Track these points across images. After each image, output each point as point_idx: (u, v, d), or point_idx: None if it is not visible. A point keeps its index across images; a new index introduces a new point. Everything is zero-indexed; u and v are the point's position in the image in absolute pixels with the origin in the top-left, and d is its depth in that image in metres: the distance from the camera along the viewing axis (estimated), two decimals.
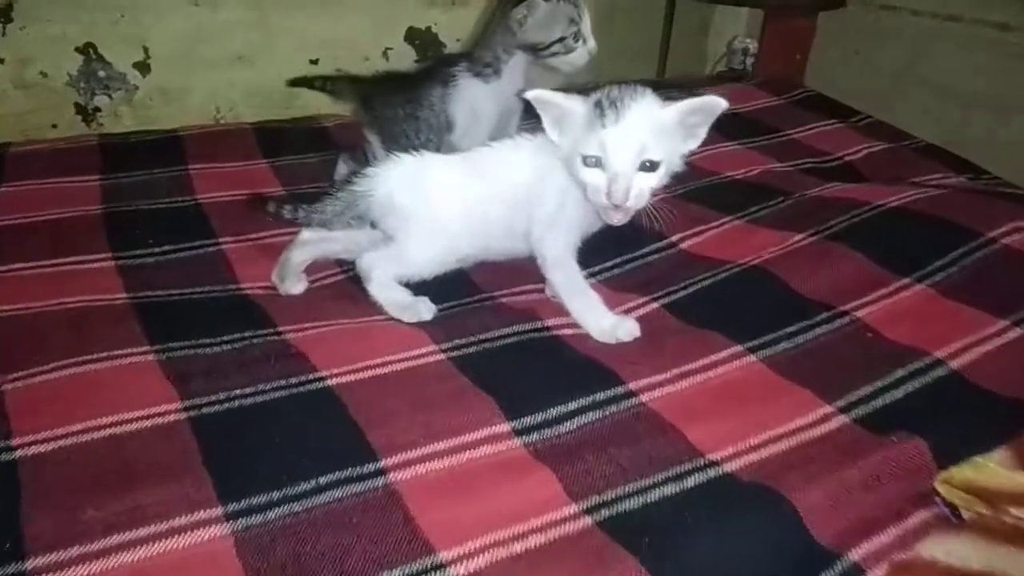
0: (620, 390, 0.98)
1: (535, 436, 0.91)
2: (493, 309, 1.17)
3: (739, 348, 1.05)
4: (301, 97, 2.17)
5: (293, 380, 0.98)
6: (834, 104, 2.07)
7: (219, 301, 1.18)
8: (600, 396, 0.96)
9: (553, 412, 0.94)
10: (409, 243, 1.13)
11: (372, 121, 1.51)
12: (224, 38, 2.28)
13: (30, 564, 0.72)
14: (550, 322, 1.12)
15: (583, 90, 1.09)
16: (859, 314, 1.12)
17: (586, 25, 1.39)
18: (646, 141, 1.00)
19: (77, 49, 2.18)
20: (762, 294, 1.18)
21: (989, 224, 1.24)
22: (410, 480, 0.84)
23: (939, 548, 0.77)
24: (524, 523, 0.79)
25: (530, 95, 1.06)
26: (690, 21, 2.72)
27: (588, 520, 0.80)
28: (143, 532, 0.76)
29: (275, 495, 0.81)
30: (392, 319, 1.13)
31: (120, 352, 1.02)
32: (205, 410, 0.93)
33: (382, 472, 0.84)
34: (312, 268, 1.24)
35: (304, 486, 0.82)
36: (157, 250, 1.30)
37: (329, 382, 0.98)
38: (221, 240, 1.33)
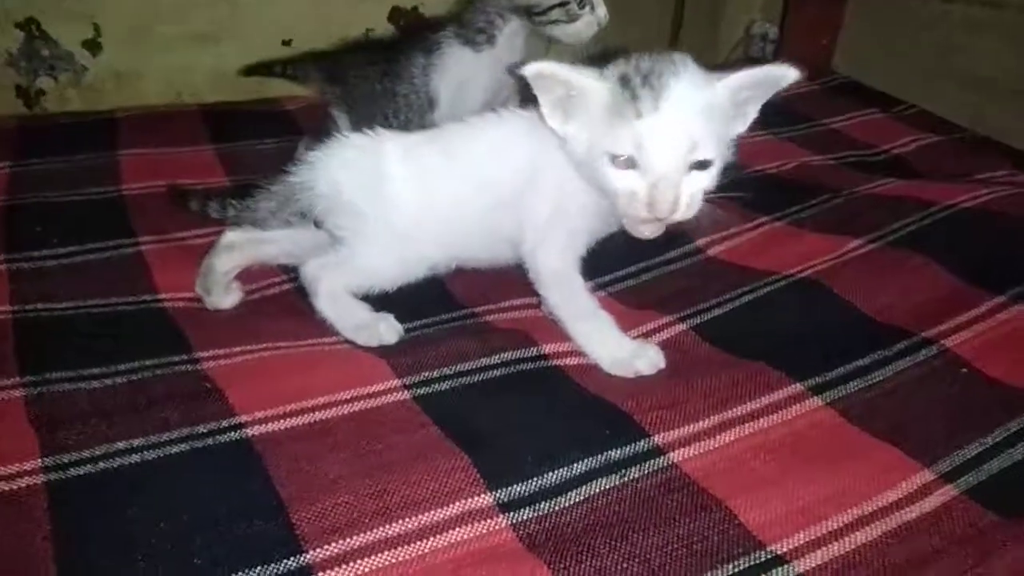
0: (643, 446, 0.72)
1: (527, 514, 0.65)
2: (475, 330, 0.92)
3: (798, 387, 0.80)
4: (273, 80, 1.93)
5: (200, 428, 0.72)
6: (872, 92, 1.83)
7: (126, 317, 0.93)
8: (615, 454, 0.71)
9: (552, 478, 0.69)
10: (362, 248, 0.88)
11: (342, 97, 1.26)
12: (186, 15, 2.02)
13: None
14: (548, 348, 0.87)
15: (595, 60, 0.84)
16: (947, 343, 0.87)
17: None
18: (696, 132, 0.75)
19: (17, 25, 1.92)
20: (819, 315, 0.93)
21: None
22: None
23: None
24: None
25: (529, 71, 0.78)
26: (700, 4, 2.48)
27: None
28: None
29: None
30: (346, 342, 0.88)
31: None
32: (72, 471, 0.67)
33: (309, 573, 0.59)
34: (251, 275, 0.98)
35: None
36: (61, 251, 1.04)
37: (248, 431, 0.72)
38: (141, 240, 1.08)
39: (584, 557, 0.61)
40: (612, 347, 0.84)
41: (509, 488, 0.67)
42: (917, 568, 0.60)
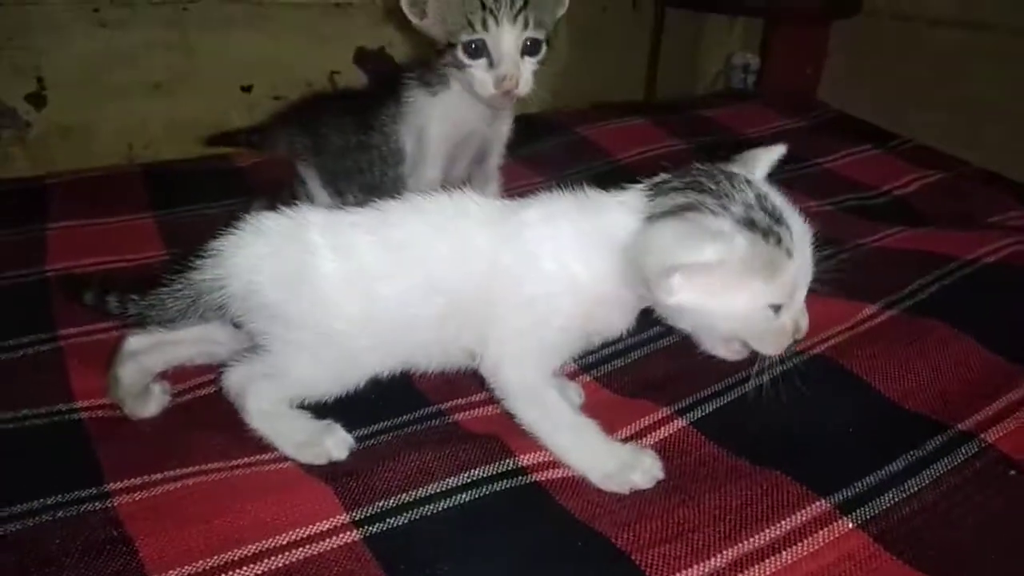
0: None
1: None
2: (440, 436, 0.79)
3: (824, 505, 0.67)
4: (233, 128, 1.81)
5: None
6: (865, 126, 1.73)
7: (34, 435, 0.79)
8: None
9: None
10: (288, 357, 0.74)
11: (311, 150, 1.13)
12: (137, 63, 1.91)
13: None
14: (527, 459, 0.74)
15: None
16: (988, 436, 0.75)
17: (503, 42, 0.94)
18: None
19: None
20: (838, 404, 0.81)
21: None
22: None
23: None
24: None
25: None
26: (679, 36, 2.40)
27: None
28: None
29: None
30: (288, 458, 0.75)
31: None
32: None
33: None
34: (182, 371, 0.85)
35: None
36: None
37: None
38: (62, 333, 0.94)
39: None
40: (601, 459, 0.71)
41: None
42: None
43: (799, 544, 0.64)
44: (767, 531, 0.65)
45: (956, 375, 0.82)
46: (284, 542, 0.64)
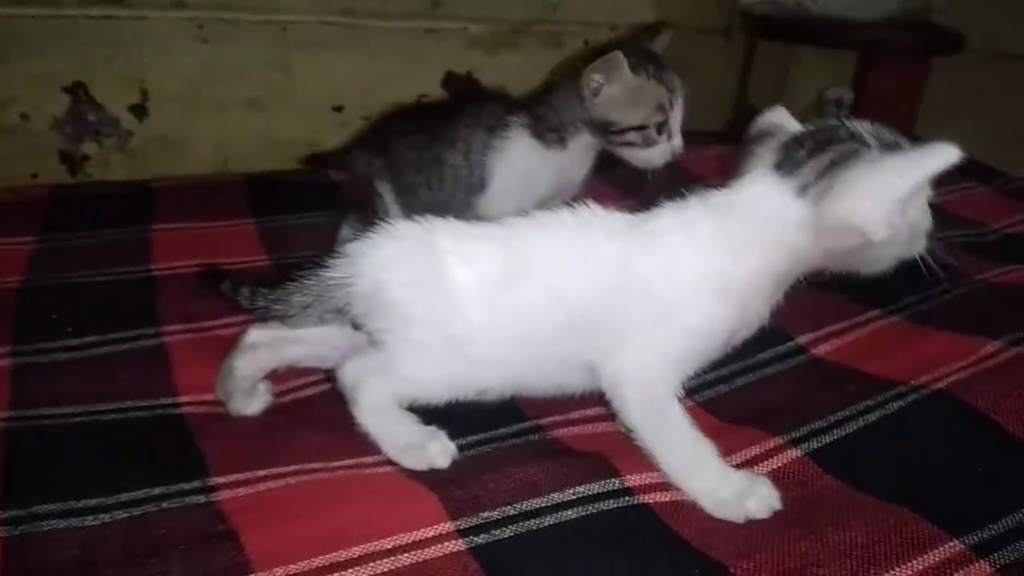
0: None
1: None
2: (543, 451, 0.77)
3: (957, 546, 0.63)
4: (325, 146, 1.84)
5: None
6: (969, 163, 1.65)
7: (139, 426, 0.80)
8: None
9: None
10: (407, 357, 0.74)
11: (385, 166, 1.14)
12: (236, 79, 1.96)
13: None
14: (633, 479, 0.72)
15: None
16: None
17: (676, 117, 1.06)
18: None
19: (64, 89, 1.87)
20: (964, 440, 0.76)
21: None
22: None
23: None
24: None
25: None
26: (770, 68, 2.36)
27: None
28: None
29: None
30: (389, 462, 0.74)
31: None
32: None
33: None
34: (283, 372, 0.85)
35: None
36: (75, 343, 0.93)
37: None
38: (166, 329, 0.96)
39: None
40: (716, 484, 0.68)
41: None
42: None
43: None
44: (898, 570, 0.61)
45: None
46: (389, 546, 0.62)
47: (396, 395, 0.75)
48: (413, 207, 1.10)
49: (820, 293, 1.04)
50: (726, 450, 0.75)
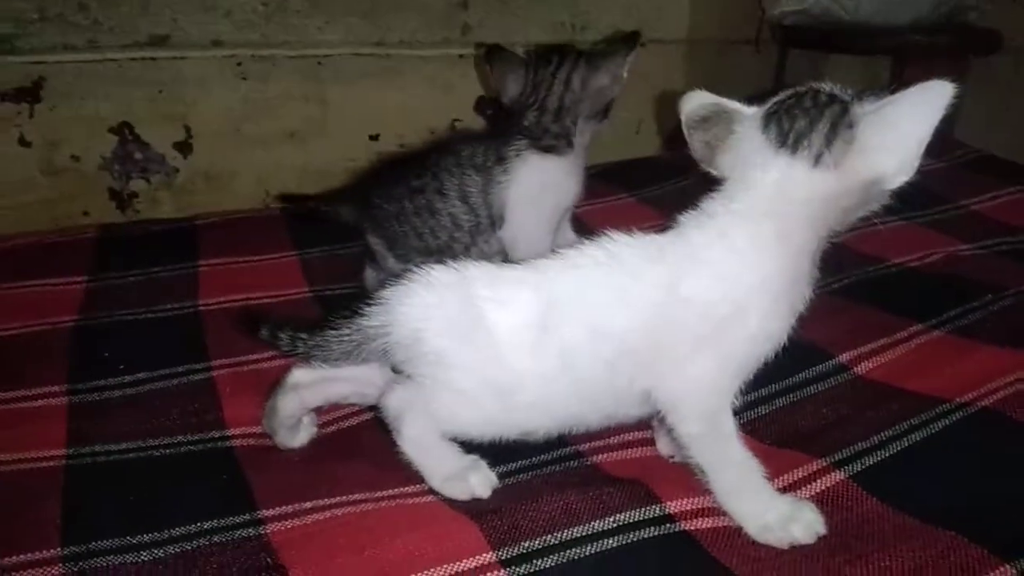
0: None
1: None
2: (582, 478, 0.77)
3: (1010, 571, 0.62)
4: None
5: None
6: (1008, 166, 1.63)
7: (190, 460, 0.83)
8: None
9: None
10: (445, 400, 0.75)
11: (367, 218, 1.12)
12: (274, 113, 2.02)
13: None
14: (674, 506, 0.72)
15: None
16: None
17: None
18: None
19: (111, 129, 1.94)
20: (1012, 460, 0.75)
21: None
22: None
23: None
24: None
25: None
26: (801, 76, 2.34)
27: None
28: None
29: None
30: (431, 491, 0.75)
31: None
32: None
33: None
34: None
35: None
36: (127, 379, 0.96)
37: None
38: (215, 364, 0.99)
39: None
40: (762, 508, 0.68)
41: None
42: None
43: None
44: None
45: None
46: None
47: (437, 429, 0.76)
48: (408, 257, 1.08)
49: (859, 308, 1.04)
50: (769, 474, 0.74)
